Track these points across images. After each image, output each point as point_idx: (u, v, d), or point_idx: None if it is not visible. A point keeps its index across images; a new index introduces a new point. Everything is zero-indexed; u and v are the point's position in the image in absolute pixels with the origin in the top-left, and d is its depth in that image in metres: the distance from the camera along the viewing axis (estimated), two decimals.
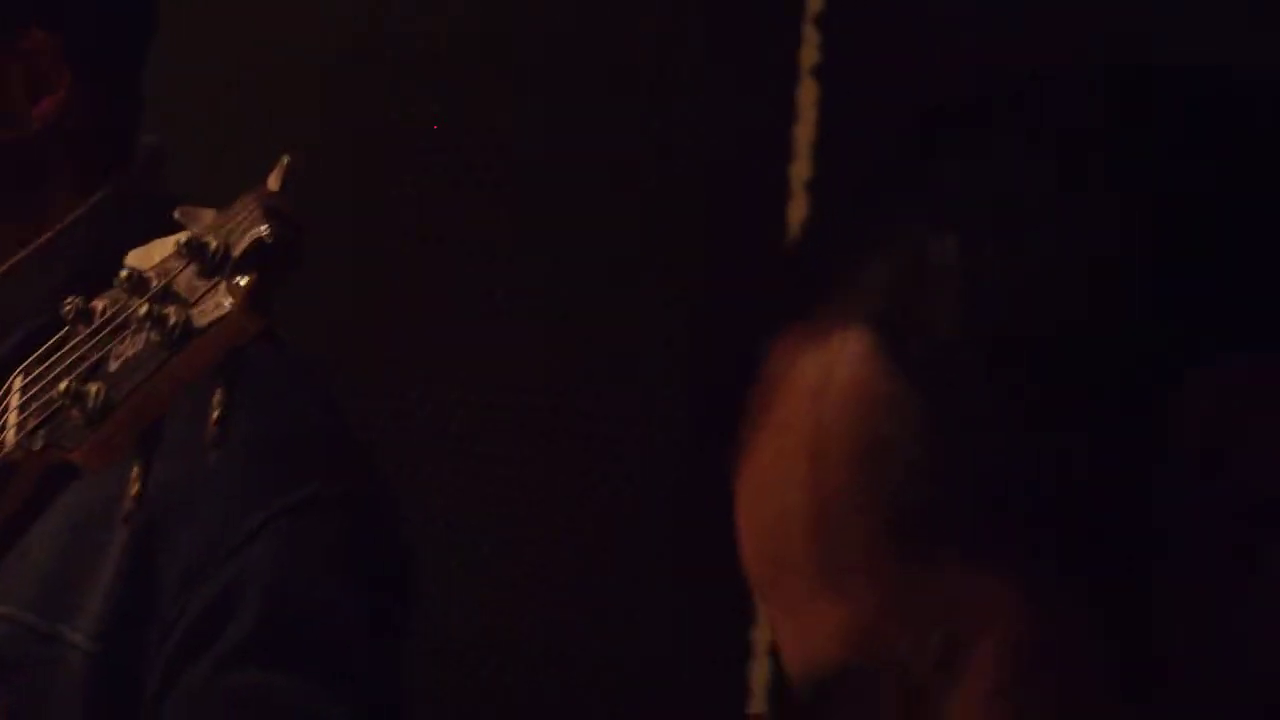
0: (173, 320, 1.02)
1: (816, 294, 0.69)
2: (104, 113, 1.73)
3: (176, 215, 1.11)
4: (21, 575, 1.54)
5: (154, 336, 1.04)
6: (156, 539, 1.51)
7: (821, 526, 0.67)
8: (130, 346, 1.08)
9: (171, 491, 1.46)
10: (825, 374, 0.67)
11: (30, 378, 1.17)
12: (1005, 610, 0.64)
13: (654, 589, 2.54)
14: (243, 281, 1.02)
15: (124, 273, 1.09)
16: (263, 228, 1.03)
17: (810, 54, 2.36)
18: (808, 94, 2.34)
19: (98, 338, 1.11)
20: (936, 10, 2.28)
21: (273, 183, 1.09)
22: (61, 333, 1.15)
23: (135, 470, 1.10)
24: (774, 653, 2.17)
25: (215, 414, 1.05)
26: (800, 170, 2.32)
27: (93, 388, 1.08)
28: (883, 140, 0.78)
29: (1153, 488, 0.63)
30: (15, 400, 1.18)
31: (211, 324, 1.03)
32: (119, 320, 1.09)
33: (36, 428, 1.14)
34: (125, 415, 1.08)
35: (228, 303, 1.02)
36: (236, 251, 1.03)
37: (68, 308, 1.14)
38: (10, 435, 1.17)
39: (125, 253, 1.41)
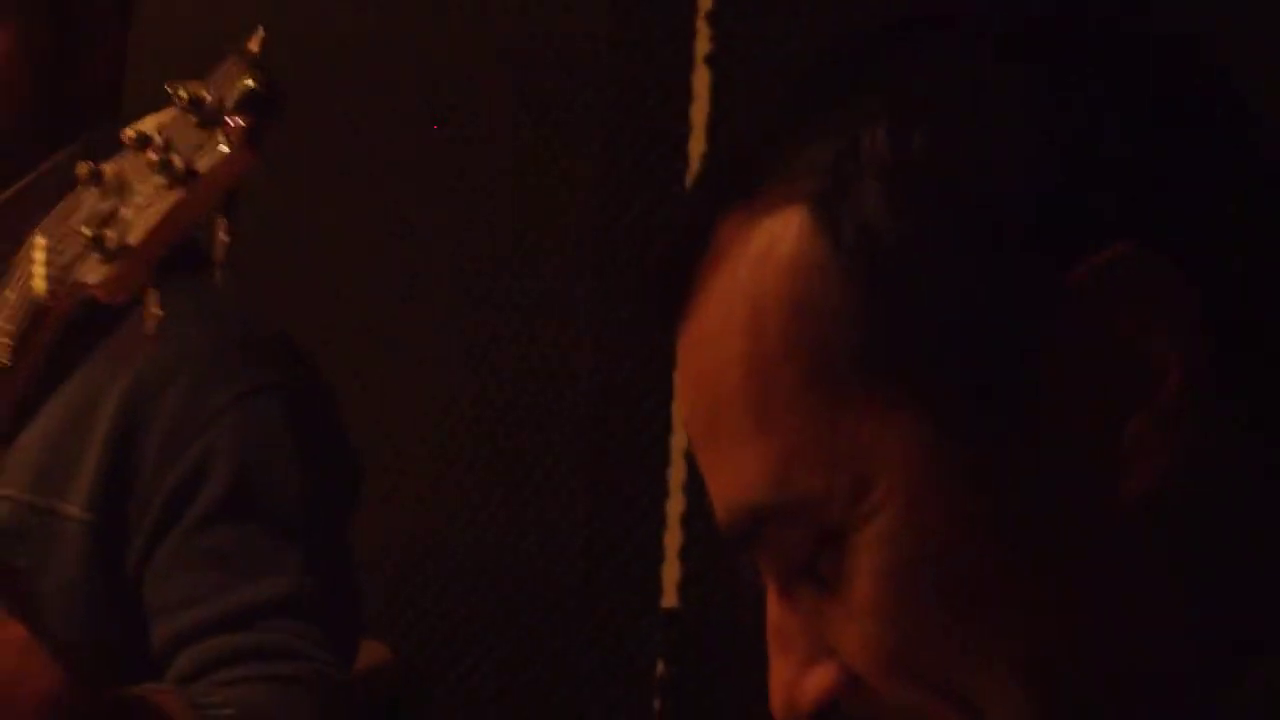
0: (178, 165, 1.06)
1: (760, 176, 0.70)
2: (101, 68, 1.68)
3: (166, 87, 1.14)
4: (20, 464, 1.53)
5: (160, 181, 1.07)
6: (137, 419, 1.52)
7: (756, 371, 0.69)
8: (141, 196, 1.12)
9: (147, 380, 1.52)
10: (768, 244, 0.69)
11: (50, 236, 1.20)
12: (908, 449, 0.66)
13: (573, 497, 2.52)
14: (238, 124, 1.06)
15: (130, 134, 1.11)
16: (250, 78, 1.06)
17: (703, 45, 2.36)
18: (701, 80, 2.35)
19: (110, 193, 1.15)
20: (818, 6, 2.26)
21: (253, 45, 1.12)
22: (76, 193, 1.17)
23: (150, 295, 1.13)
24: (683, 557, 2.35)
25: (221, 236, 1.09)
26: (696, 145, 2.34)
27: (109, 232, 1.11)
28: (827, 48, 0.76)
29: (1042, 341, 0.65)
30: (39, 254, 1.21)
31: (212, 166, 1.06)
32: (128, 176, 1.13)
33: (59, 273, 1.18)
34: (139, 251, 1.11)
35: (224, 146, 1.06)
36: (229, 101, 1.07)
37: (81, 170, 1.16)
38: (38, 282, 1.19)
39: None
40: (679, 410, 0.66)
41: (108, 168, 1.15)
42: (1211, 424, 0.66)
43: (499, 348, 2.59)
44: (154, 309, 1.13)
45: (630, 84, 2.50)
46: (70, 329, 1.43)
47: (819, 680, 0.69)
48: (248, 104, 1.06)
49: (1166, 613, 0.67)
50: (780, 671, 0.71)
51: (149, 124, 1.12)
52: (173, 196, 1.08)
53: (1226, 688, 0.66)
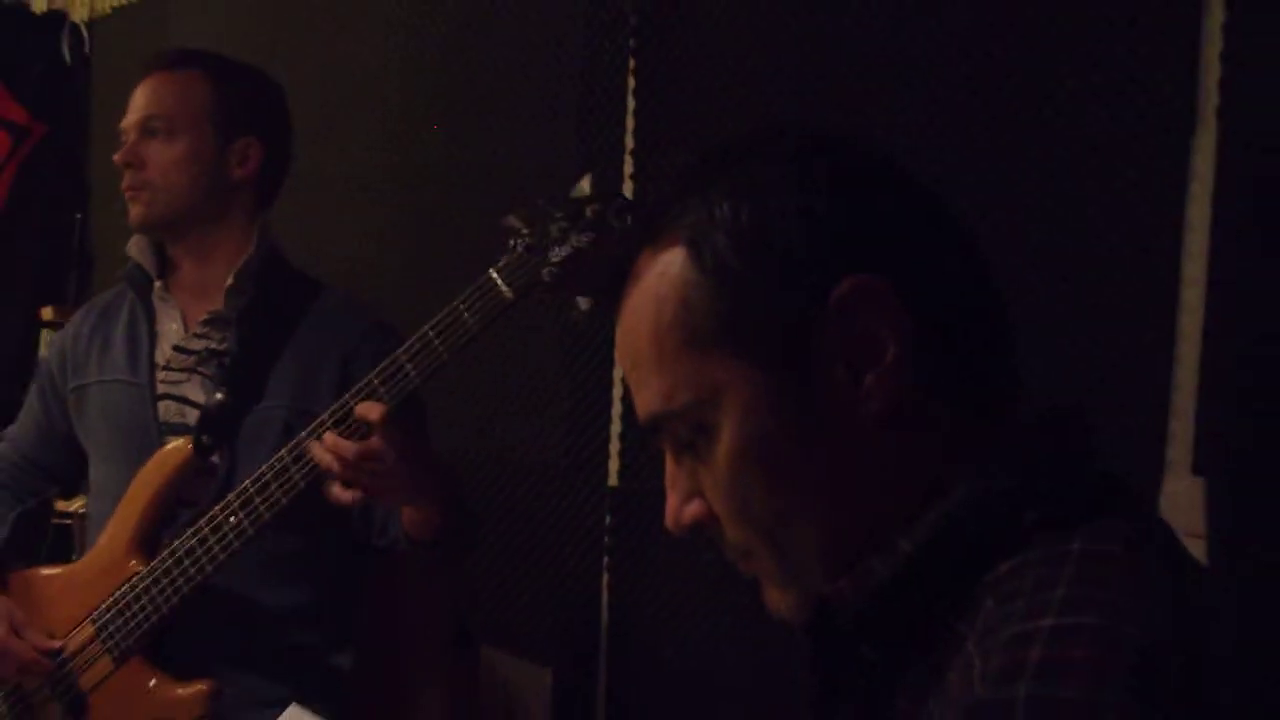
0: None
1: (661, 229, 0.75)
2: (274, 171, 1.88)
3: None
4: (281, 387, 1.76)
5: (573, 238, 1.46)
6: (352, 359, 1.76)
7: (656, 338, 0.74)
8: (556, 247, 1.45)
9: (354, 341, 1.79)
10: (664, 267, 0.74)
11: (500, 273, 1.50)
12: (742, 382, 0.72)
13: (552, 415, 2.47)
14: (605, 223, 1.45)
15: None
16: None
17: (629, 168, 2.30)
18: (627, 188, 2.28)
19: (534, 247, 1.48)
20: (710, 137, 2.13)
21: (585, 186, 1.55)
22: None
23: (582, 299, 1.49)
24: (622, 455, 2.37)
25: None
26: None
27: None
28: (696, 155, 0.80)
29: (817, 326, 0.71)
30: (497, 279, 1.51)
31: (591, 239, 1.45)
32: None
33: (522, 284, 1.49)
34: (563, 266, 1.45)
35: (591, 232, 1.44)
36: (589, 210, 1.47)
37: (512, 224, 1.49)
38: (506, 294, 1.48)
39: (279, 265, 1.82)
40: (619, 360, 0.76)
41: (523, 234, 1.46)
42: (916, 377, 0.72)
43: (513, 335, 2.48)
44: (583, 303, 1.47)
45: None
46: (291, 307, 1.78)
47: (692, 510, 0.76)
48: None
49: (884, 485, 0.72)
50: (671, 502, 0.78)
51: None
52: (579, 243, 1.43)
53: (912, 523, 0.71)
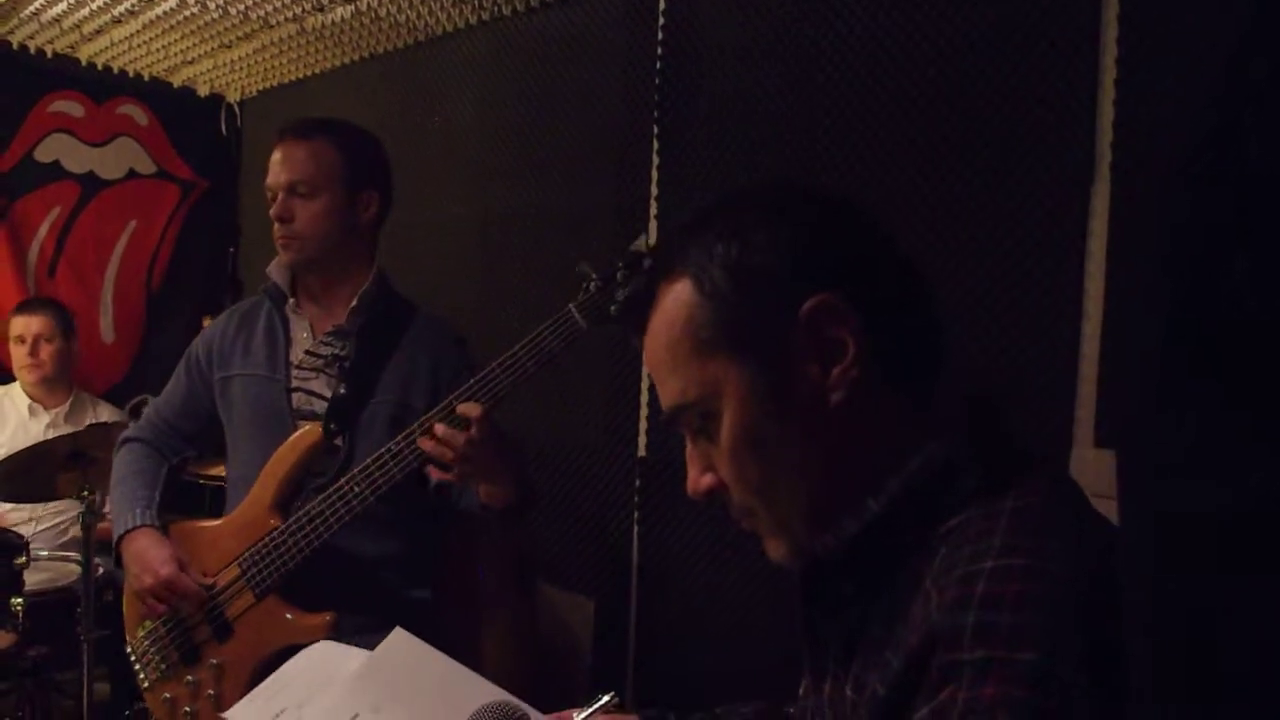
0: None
1: (673, 265, 0.74)
2: (385, 214, 1.78)
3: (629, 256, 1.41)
4: (390, 383, 1.68)
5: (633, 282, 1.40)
6: (440, 364, 1.71)
7: (670, 348, 0.73)
8: (622, 287, 1.41)
9: (440, 350, 1.72)
10: (676, 294, 0.73)
11: (579, 307, 1.44)
12: (737, 378, 0.70)
13: (594, 405, 2.44)
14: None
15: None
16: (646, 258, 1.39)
17: (653, 210, 2.30)
18: (652, 229, 2.29)
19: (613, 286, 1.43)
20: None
21: (640, 247, 1.49)
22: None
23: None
24: (648, 432, 2.32)
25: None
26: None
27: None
28: (699, 206, 0.77)
29: (792, 334, 0.69)
30: (577, 313, 1.45)
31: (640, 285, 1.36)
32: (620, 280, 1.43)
33: (594, 314, 1.43)
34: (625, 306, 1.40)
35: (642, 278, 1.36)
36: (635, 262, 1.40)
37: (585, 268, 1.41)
38: (582, 322, 1.43)
39: (389, 291, 1.76)
40: (645, 365, 0.73)
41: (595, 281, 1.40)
42: (870, 371, 0.70)
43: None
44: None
45: (619, 225, 2.35)
46: (396, 324, 1.73)
47: (707, 481, 0.74)
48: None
49: (852, 457, 0.70)
50: (690, 475, 0.76)
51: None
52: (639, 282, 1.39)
53: (878, 487, 0.69)
